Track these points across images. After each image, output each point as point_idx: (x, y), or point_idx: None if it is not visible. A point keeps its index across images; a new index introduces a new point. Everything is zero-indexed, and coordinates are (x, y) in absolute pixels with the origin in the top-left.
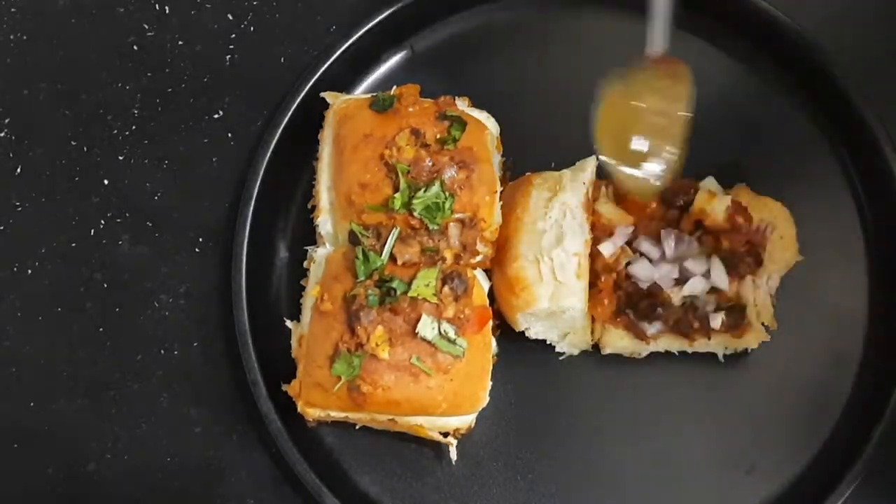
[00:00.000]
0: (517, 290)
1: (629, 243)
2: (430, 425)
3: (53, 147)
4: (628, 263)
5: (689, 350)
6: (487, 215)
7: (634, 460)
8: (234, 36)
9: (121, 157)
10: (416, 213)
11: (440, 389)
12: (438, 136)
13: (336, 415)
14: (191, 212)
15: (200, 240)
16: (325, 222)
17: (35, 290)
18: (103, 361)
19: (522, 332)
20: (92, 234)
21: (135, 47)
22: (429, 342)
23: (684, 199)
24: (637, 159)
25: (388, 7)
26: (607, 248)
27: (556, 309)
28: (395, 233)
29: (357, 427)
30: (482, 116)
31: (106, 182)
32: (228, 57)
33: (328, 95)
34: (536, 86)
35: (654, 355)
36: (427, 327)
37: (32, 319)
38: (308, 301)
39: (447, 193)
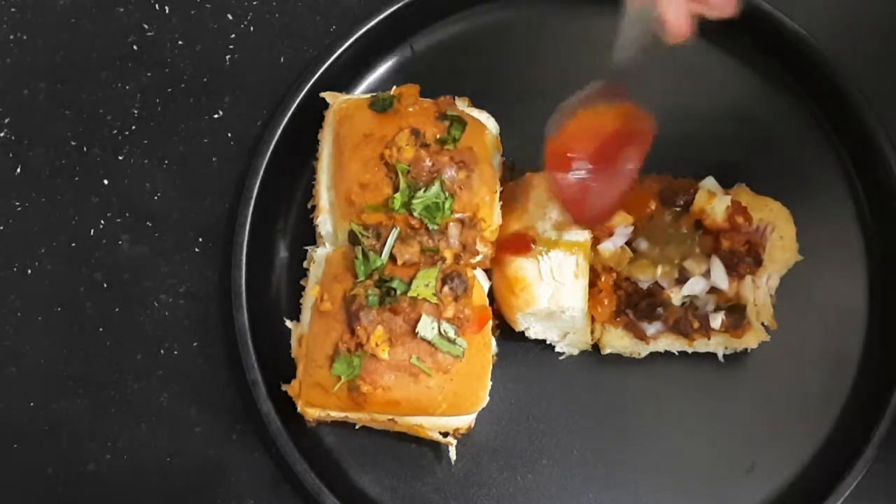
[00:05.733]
0: (517, 290)
1: (629, 243)
2: (430, 425)
3: (53, 147)
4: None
5: (689, 350)
6: (487, 215)
7: (634, 460)
8: (234, 36)
9: (121, 157)
10: (415, 213)
11: (440, 389)
12: (438, 136)
13: (336, 415)
14: (191, 212)
15: (200, 240)
16: (325, 222)
17: (35, 290)
18: (103, 361)
19: (522, 332)
20: (92, 234)
21: (135, 47)
22: (429, 342)
23: (684, 199)
24: None
25: (388, 7)
26: (607, 248)
27: (555, 309)
28: (395, 233)
29: (357, 427)
30: (482, 116)
31: (106, 182)
32: (228, 57)
33: (328, 95)
34: (537, 86)
35: (654, 355)
36: (427, 327)
37: (32, 319)
38: (308, 301)
39: (447, 193)
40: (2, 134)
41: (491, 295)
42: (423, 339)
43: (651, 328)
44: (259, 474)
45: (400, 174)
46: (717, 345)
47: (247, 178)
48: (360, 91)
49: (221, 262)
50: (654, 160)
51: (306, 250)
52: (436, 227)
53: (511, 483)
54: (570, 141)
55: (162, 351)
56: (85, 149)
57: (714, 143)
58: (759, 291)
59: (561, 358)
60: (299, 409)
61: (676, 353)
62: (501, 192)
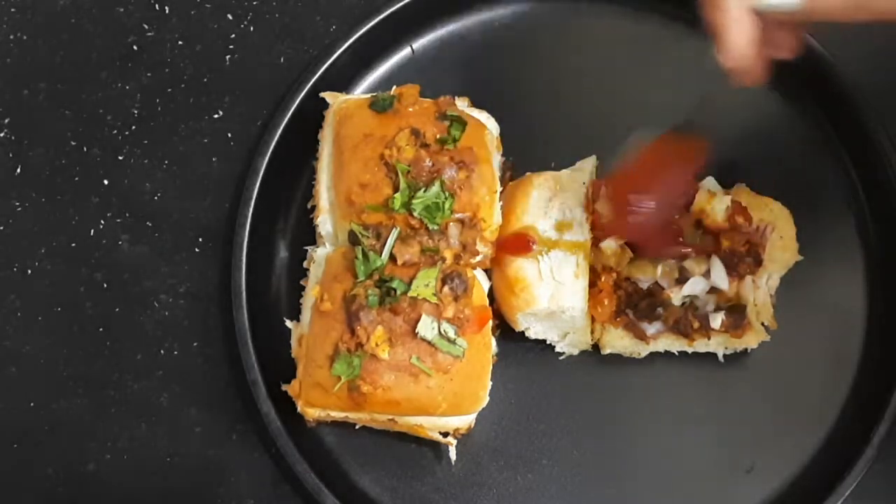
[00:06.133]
0: (517, 290)
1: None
2: (430, 425)
3: (53, 147)
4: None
5: (689, 350)
6: (487, 215)
7: (634, 460)
8: (234, 36)
9: (121, 157)
10: (415, 213)
11: (440, 389)
12: (438, 136)
13: (336, 415)
14: (191, 212)
15: (200, 240)
16: (325, 222)
17: (35, 290)
18: (103, 361)
19: (522, 332)
20: (92, 234)
21: (135, 47)
22: (429, 342)
23: (684, 199)
24: None
25: (388, 7)
26: (609, 246)
27: (555, 309)
28: (395, 233)
29: (357, 427)
30: (482, 116)
31: (106, 182)
32: (228, 57)
33: (328, 95)
34: (536, 86)
35: (654, 355)
36: (427, 327)
37: (32, 319)
38: (308, 301)
39: (447, 193)
40: (2, 134)
41: (491, 295)
42: (423, 339)
43: (651, 328)
44: (259, 474)
45: (400, 174)
46: (717, 345)
47: (247, 178)
48: (360, 91)
49: (221, 262)
50: None
51: (306, 250)
52: (436, 227)
53: (511, 483)
54: (629, 180)
55: (162, 351)
56: (85, 149)
57: (714, 143)
58: (759, 291)
59: (561, 358)
60: (299, 409)
61: (676, 353)
62: (501, 192)
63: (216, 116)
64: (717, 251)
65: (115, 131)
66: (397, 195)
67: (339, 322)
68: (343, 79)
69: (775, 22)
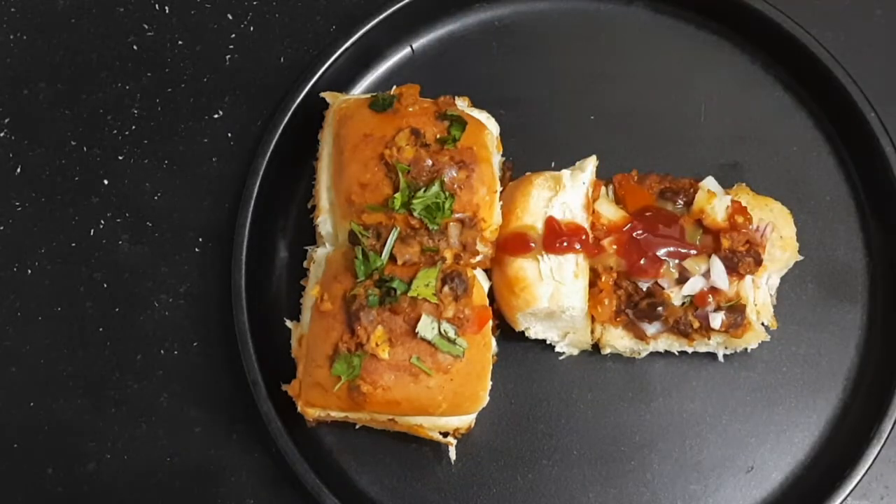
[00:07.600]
0: (517, 290)
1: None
2: (430, 425)
3: (53, 147)
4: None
5: (689, 350)
6: (487, 215)
7: (634, 460)
8: (234, 36)
9: (121, 157)
10: (415, 213)
11: (440, 389)
12: (438, 136)
13: (336, 415)
14: (191, 212)
15: (200, 240)
16: (325, 222)
17: (35, 290)
18: (103, 361)
19: (522, 332)
20: (92, 234)
21: (135, 47)
22: (429, 342)
23: (684, 199)
24: None
25: (388, 7)
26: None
27: (555, 309)
28: (395, 233)
29: (357, 427)
30: (482, 116)
31: (106, 182)
32: (228, 57)
33: (328, 95)
34: (536, 86)
35: (654, 355)
36: (427, 327)
37: (32, 319)
38: (308, 301)
39: (447, 193)
40: (2, 134)
41: (491, 295)
42: (423, 339)
43: (651, 328)
44: (259, 474)
45: (400, 174)
46: (717, 345)
47: (247, 178)
48: (360, 91)
49: (221, 262)
50: (655, 160)
51: (306, 250)
52: (436, 227)
53: (511, 483)
54: None
55: (162, 351)
56: (85, 149)
57: (714, 143)
58: (759, 291)
59: (561, 358)
60: (299, 409)
61: (676, 353)
62: (501, 192)
63: (216, 116)
64: (717, 251)
65: (115, 131)
66: (397, 195)
67: (339, 322)
68: (343, 79)
69: None
